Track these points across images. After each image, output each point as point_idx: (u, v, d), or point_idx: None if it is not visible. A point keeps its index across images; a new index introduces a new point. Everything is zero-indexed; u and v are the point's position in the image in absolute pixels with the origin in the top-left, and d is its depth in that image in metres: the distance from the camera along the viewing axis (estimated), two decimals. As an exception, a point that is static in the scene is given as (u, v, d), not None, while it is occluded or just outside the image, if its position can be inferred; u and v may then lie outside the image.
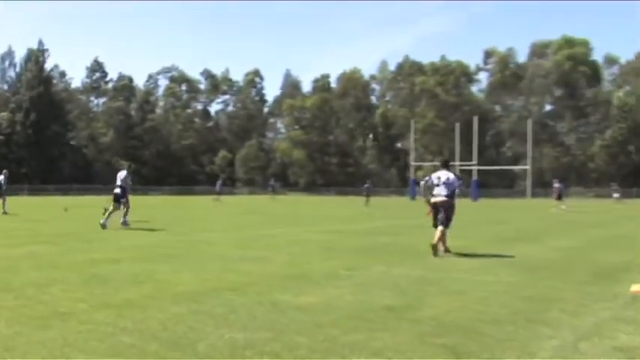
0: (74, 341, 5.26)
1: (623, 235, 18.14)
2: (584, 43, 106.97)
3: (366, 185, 47.82)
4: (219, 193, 51.43)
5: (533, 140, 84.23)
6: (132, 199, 21.10)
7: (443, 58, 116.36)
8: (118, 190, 20.09)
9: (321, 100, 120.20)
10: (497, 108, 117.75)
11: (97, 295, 7.42)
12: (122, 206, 20.07)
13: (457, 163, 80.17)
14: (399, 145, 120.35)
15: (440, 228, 12.79)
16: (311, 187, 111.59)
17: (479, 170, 77.98)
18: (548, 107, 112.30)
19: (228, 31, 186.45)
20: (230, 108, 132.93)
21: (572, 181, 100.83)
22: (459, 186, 13.54)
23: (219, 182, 56.67)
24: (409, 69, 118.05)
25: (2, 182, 28.39)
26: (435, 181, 13.43)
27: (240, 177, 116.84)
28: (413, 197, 73.62)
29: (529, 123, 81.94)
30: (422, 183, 14.02)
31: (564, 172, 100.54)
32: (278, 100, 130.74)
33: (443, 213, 13.01)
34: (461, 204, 47.60)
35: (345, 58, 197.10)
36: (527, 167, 78.34)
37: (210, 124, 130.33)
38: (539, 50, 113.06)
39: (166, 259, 11.25)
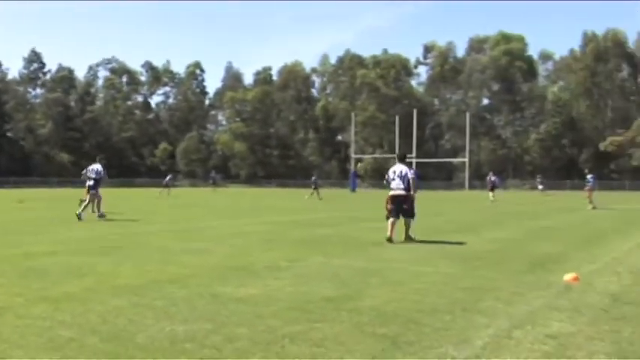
0: (10, 336, 5.14)
1: (555, 227, 18.56)
2: (520, 39, 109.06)
3: (313, 178, 48.07)
4: (168, 186, 51.20)
5: (471, 133, 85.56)
6: (72, 191, 20.77)
7: (385, 51, 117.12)
8: (91, 182, 20.39)
9: (263, 92, 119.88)
10: (437, 102, 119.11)
11: (35, 289, 7.25)
12: (90, 198, 20.27)
13: (396, 155, 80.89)
14: (339, 137, 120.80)
15: (390, 220, 13.33)
16: (252, 180, 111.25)
17: (418, 163, 78.70)
18: (485, 101, 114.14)
19: (169, 23, 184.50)
20: (171, 100, 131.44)
21: (508, 173, 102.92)
22: (414, 179, 13.72)
23: (169, 176, 56.37)
24: (350, 62, 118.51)
25: None
26: (391, 175, 13.83)
27: (181, 169, 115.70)
28: (353, 189, 74.07)
29: (467, 116, 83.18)
30: (384, 182, 14.30)
31: (501, 164, 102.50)
32: (219, 93, 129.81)
33: (404, 206, 13.50)
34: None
35: (288, 51, 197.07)
36: (466, 160, 79.62)
37: (151, 116, 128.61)
38: (476, 45, 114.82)
39: (107, 251, 11.06)
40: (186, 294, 7.01)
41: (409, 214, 13.59)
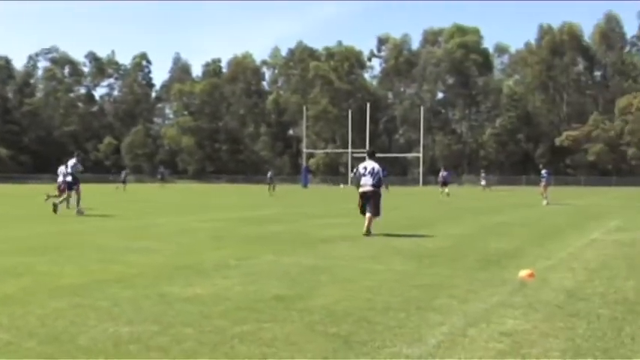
0: (-58, 340, 5.01)
1: (510, 222, 18.81)
2: (475, 32, 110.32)
3: (269, 174, 48.08)
4: (125, 182, 51.20)
5: (425, 128, 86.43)
6: (10, 187, 20.44)
7: (339, 43, 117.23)
8: (69, 179, 21.43)
9: (211, 85, 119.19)
10: (390, 95, 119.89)
11: (-31, 291, 7.09)
12: (74, 194, 21.28)
13: (349, 150, 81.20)
14: (291, 132, 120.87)
15: (368, 215, 14.08)
16: (200, 175, 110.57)
17: (371, 158, 79.07)
18: (440, 95, 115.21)
19: (114, 12, 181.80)
20: (116, 92, 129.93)
21: (463, 168, 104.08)
22: (384, 175, 14.76)
23: (124, 172, 56.42)
24: (302, 54, 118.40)
25: None
26: (362, 171, 14.41)
27: (126, 164, 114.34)
28: (305, 185, 74.13)
29: (421, 110, 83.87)
30: (351, 175, 14.69)
31: (456, 159, 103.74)
32: (166, 85, 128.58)
33: (371, 202, 14.18)
34: (342, 191, 48.23)
35: (238, 43, 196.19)
36: (420, 155, 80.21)
37: (95, 108, 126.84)
38: (431, 38, 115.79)
39: (46, 250, 10.87)
40: (131, 294, 6.93)
41: (375, 211, 14.24)
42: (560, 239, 13.63)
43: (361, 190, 14.32)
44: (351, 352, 4.81)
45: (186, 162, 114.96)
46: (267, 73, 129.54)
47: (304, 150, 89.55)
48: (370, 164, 14.45)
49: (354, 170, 14.90)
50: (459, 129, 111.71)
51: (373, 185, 14.19)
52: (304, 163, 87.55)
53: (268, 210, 25.24)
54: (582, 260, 10.16)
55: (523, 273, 8.41)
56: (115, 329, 5.38)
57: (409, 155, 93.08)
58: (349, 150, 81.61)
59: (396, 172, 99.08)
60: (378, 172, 14.29)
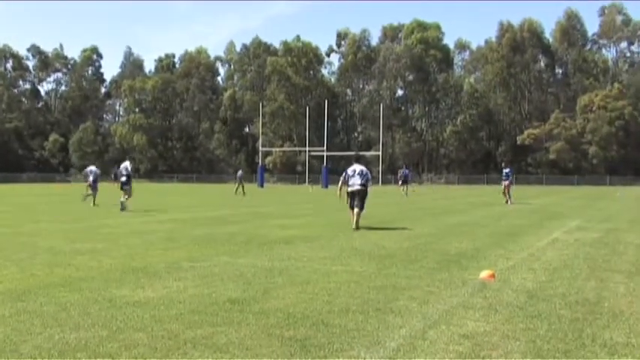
0: None
1: (470, 222, 18.99)
2: (436, 27, 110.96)
3: (239, 172, 48.07)
4: (117, 181, 51.18)
5: (384, 125, 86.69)
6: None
7: (297, 38, 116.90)
8: (123, 179, 24.68)
9: (164, 81, 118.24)
10: (349, 92, 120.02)
11: None
12: (125, 193, 24.36)
13: (307, 148, 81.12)
14: (247, 129, 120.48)
15: (356, 210, 16.19)
16: (153, 174, 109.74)
17: (329, 156, 79.02)
18: (400, 92, 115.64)
19: (61, 4, 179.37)
20: (63, 88, 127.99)
21: (423, 167, 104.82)
22: (370, 177, 17.02)
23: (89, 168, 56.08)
24: (258, 49, 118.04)
25: None
26: (351, 173, 16.83)
27: (74, 163, 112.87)
28: (261, 185, 73.94)
29: (381, 107, 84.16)
30: (341, 178, 17.29)
31: (416, 157, 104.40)
32: (117, 81, 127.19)
33: (359, 199, 16.38)
34: (300, 191, 48.17)
35: (192, 37, 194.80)
36: (379, 153, 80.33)
37: (40, 104, 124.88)
38: (391, 33, 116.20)
39: (-12, 253, 10.70)
40: (79, 298, 6.84)
41: (361, 206, 16.40)
42: (521, 239, 13.79)
43: (350, 189, 16.58)
44: (308, 356, 4.81)
45: (137, 160, 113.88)
46: (223, 70, 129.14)
47: (261, 148, 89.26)
48: (358, 167, 16.91)
49: (343, 174, 17.12)
50: (419, 126, 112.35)
51: (361, 184, 16.48)
52: (261, 162, 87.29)
53: (223, 210, 25.13)
54: (543, 261, 10.30)
55: (484, 274, 8.52)
56: (61, 336, 5.30)
57: (368, 153, 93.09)
58: (307, 148, 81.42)
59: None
60: (366, 174, 16.76)
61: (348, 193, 16.66)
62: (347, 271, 9.01)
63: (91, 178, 28.47)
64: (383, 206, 29.92)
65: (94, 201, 27.32)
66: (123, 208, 23.55)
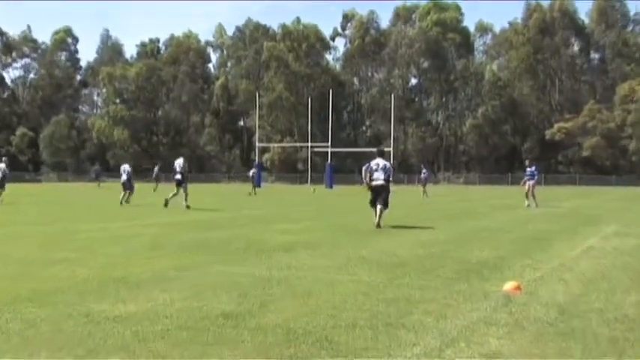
0: None
1: (494, 227, 18.93)
2: (455, 8, 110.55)
3: (252, 171, 49.28)
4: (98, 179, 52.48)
5: (396, 118, 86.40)
6: None
7: (297, 20, 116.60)
8: (178, 177, 27.76)
9: (148, 68, 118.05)
10: (356, 81, 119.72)
11: None
12: (182, 191, 27.29)
13: (309, 144, 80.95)
14: (241, 123, 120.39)
15: (380, 207, 17.58)
16: (136, 173, 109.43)
17: (334, 153, 78.75)
18: (413, 81, 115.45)
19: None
20: (32, 75, 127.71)
21: (440, 165, 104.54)
22: (393, 172, 18.65)
23: (95, 167, 57.22)
24: (254, 33, 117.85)
25: None
26: (374, 167, 18.18)
27: (45, 160, 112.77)
28: (258, 184, 73.93)
29: (392, 98, 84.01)
30: (363, 168, 18.77)
31: (431, 154, 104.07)
32: (93, 68, 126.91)
33: (383, 195, 17.79)
34: (301, 191, 48.11)
35: (179, 20, 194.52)
36: (390, 149, 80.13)
37: (6, 94, 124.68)
38: (404, 14, 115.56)
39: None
40: (51, 314, 6.82)
41: (385, 203, 17.83)
42: (551, 247, 13.75)
43: (374, 183, 17.98)
44: (311, 379, 4.79)
45: (119, 158, 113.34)
46: (215, 56, 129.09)
47: (257, 144, 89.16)
48: (382, 162, 18.27)
49: (366, 165, 18.51)
50: (435, 120, 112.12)
51: (385, 180, 17.94)
52: (257, 159, 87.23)
53: (215, 213, 25.15)
54: (576, 271, 10.25)
55: (508, 285, 8.46)
56: (29, 357, 5.28)
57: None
58: (309, 144, 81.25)
59: (361, 169, 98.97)
60: (388, 169, 18.20)
61: (371, 187, 18.06)
62: (354, 282, 8.99)
63: (124, 177, 31.25)
64: (395, 208, 29.81)
65: (126, 199, 30.60)
66: (187, 205, 26.43)
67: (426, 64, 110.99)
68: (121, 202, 30.05)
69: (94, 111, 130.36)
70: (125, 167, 32.13)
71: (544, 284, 8.95)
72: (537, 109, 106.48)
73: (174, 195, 27.57)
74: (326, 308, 7.16)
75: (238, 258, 11.48)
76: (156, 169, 57.39)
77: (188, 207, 26.37)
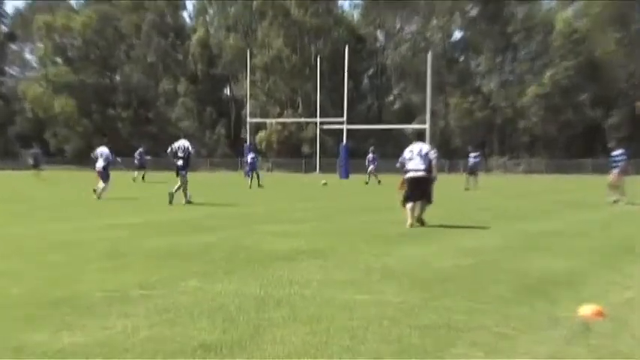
0: None
1: (564, 231, 18.86)
2: None
3: (251, 156, 49.57)
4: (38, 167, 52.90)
5: (434, 85, 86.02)
6: None
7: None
8: (180, 162, 28.40)
9: (101, 16, 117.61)
10: (380, 35, 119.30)
11: None
12: (180, 182, 28.02)
13: (317, 119, 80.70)
14: (227, 92, 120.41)
15: (409, 206, 18.29)
16: (85, 158, 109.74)
17: (349, 130, 78.22)
18: (457, 34, 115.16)
19: None
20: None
21: (492, 148, 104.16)
22: (436, 157, 18.64)
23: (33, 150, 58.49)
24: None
25: None
26: (408, 155, 18.61)
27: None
28: (249, 172, 73.92)
29: (428, 59, 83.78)
30: (399, 160, 19.15)
31: (481, 134, 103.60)
32: (23, 15, 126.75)
33: (422, 189, 18.47)
34: (306, 181, 48.28)
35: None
36: (426, 127, 79.84)
37: None
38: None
39: None
40: (-29, 346, 6.83)
41: (428, 198, 18.65)
42: (643, 257, 13.73)
43: (410, 175, 18.52)
44: None
45: (61, 138, 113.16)
46: (191, 1, 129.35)
47: (248, 119, 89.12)
48: (419, 146, 18.66)
49: (400, 159, 19.05)
50: (487, 87, 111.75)
51: (425, 170, 18.39)
52: (248, 140, 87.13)
53: (193, 211, 25.14)
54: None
55: (586, 309, 8.44)
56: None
57: (409, 127, 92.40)
58: (317, 119, 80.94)
59: (388, 152, 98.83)
60: (427, 154, 18.40)
61: (405, 181, 18.70)
62: (377, 303, 8.99)
63: (101, 163, 31.54)
64: (433, 205, 29.85)
65: (99, 193, 30.43)
66: (188, 200, 27.93)
67: (474, 12, 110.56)
68: (98, 196, 30.21)
69: (26, 74, 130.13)
70: (102, 151, 32.42)
71: (636, 309, 8.93)
72: (627, 73, 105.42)
73: (179, 188, 28.20)
74: (340, 338, 7.16)
75: (222, 271, 11.46)
76: (139, 151, 57.40)
77: (189, 202, 27.72)
